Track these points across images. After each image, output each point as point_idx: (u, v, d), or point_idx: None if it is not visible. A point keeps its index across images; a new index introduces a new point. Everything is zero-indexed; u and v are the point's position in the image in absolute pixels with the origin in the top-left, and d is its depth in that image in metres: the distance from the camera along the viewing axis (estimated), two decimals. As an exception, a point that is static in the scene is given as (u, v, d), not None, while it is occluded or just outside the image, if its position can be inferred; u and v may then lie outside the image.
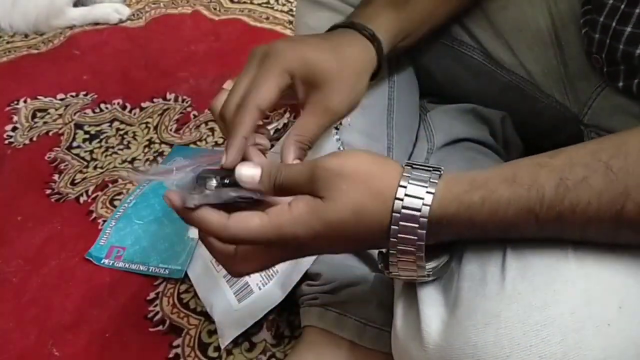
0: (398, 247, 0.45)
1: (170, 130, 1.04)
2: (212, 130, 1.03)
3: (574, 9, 0.63)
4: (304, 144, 0.56)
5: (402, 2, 0.63)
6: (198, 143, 1.01)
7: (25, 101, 1.11)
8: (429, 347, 0.45)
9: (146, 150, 1.00)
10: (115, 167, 0.97)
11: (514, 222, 0.44)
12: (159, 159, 0.98)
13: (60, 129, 1.05)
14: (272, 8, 1.33)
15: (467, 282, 0.45)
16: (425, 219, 0.44)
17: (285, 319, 0.75)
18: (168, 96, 1.11)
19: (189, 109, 1.08)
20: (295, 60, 0.55)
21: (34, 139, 1.03)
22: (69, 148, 1.01)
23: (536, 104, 0.71)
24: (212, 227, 0.47)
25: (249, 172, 0.49)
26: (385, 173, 0.46)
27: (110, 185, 0.94)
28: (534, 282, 0.43)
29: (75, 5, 1.32)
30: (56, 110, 1.09)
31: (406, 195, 0.44)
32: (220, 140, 1.01)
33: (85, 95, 1.12)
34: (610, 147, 0.43)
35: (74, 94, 1.12)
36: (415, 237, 0.44)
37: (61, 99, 1.11)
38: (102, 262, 0.81)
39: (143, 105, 1.09)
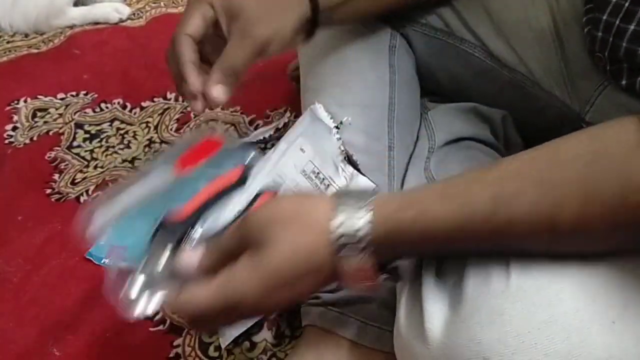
0: (349, 275, 0.46)
1: (171, 129, 1.04)
2: (212, 130, 1.03)
3: (576, 7, 0.63)
4: (228, 70, 0.60)
5: None
6: (198, 142, 1.00)
7: (25, 101, 1.11)
8: (433, 344, 0.45)
9: (147, 149, 1.00)
10: (115, 166, 0.97)
11: (448, 239, 0.44)
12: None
13: (60, 128, 1.05)
14: None
15: (472, 279, 0.45)
16: (363, 245, 0.45)
17: (285, 318, 0.74)
18: (168, 95, 1.10)
19: (189, 109, 1.07)
20: None
21: (34, 138, 1.03)
22: (69, 147, 1.01)
23: (537, 102, 0.71)
24: (166, 308, 0.49)
25: (189, 261, 0.51)
26: (316, 208, 0.47)
27: (111, 184, 0.93)
28: (538, 280, 0.43)
29: (76, 4, 1.32)
30: (56, 109, 1.09)
31: (340, 224, 0.45)
32: (221, 140, 1.00)
33: (86, 94, 1.12)
34: (543, 157, 0.43)
35: (74, 93, 1.12)
36: (360, 264, 0.45)
37: (61, 99, 1.11)
38: (102, 261, 0.81)
39: (143, 104, 1.09)
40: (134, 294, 0.52)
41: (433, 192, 0.45)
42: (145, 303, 0.52)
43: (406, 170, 0.71)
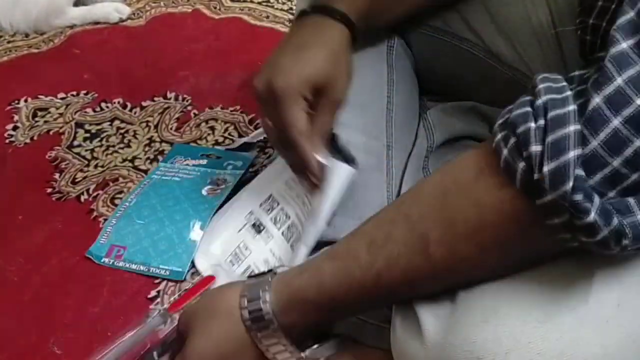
0: (268, 347, 0.51)
1: (171, 128, 1.04)
2: (212, 128, 1.03)
3: (572, 6, 0.64)
4: (325, 137, 0.65)
5: None
6: (198, 141, 1.01)
7: (25, 100, 1.11)
8: (428, 344, 0.45)
9: (147, 149, 1.00)
10: (116, 165, 0.97)
11: (342, 292, 0.47)
12: (160, 157, 0.98)
13: (61, 128, 1.05)
14: (273, 7, 1.32)
15: None
16: (270, 316, 0.50)
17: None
18: (168, 95, 1.11)
19: (189, 108, 1.08)
20: (303, 84, 0.61)
21: (35, 138, 1.03)
22: (70, 147, 1.01)
23: None
24: None
25: None
26: (228, 291, 0.54)
27: (111, 184, 0.94)
28: (533, 280, 0.43)
29: (76, 4, 1.32)
30: (57, 109, 1.09)
31: (248, 301, 0.51)
32: (221, 139, 1.01)
33: (86, 94, 1.12)
34: (409, 197, 0.47)
35: (74, 93, 1.12)
36: (274, 333, 0.50)
37: (62, 98, 1.11)
38: (102, 260, 0.82)
39: (143, 104, 1.09)
40: None
41: (323, 254, 0.51)
42: None
43: (405, 170, 0.71)
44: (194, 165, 0.94)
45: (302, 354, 0.51)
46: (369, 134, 0.71)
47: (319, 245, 0.68)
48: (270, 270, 0.53)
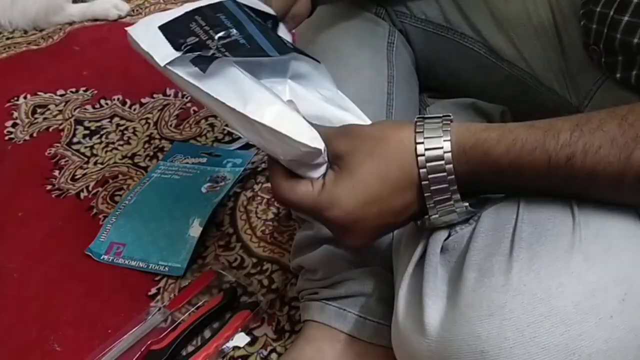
0: (434, 198, 0.48)
1: (170, 125, 1.04)
2: (211, 125, 1.03)
3: (574, 2, 0.63)
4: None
5: None
6: (198, 139, 1.01)
7: (25, 97, 1.11)
8: (431, 338, 0.45)
9: (146, 145, 1.00)
10: (115, 162, 0.97)
11: (528, 160, 0.46)
12: (159, 154, 0.98)
13: (60, 124, 1.05)
14: (272, 3, 1.32)
15: (473, 272, 0.45)
16: (451, 165, 0.47)
17: (285, 313, 0.75)
18: (168, 92, 1.11)
19: (188, 105, 1.08)
20: None
21: (34, 135, 1.03)
22: (69, 144, 1.01)
23: (537, 97, 0.71)
24: (272, 183, 0.51)
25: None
26: (401, 131, 0.49)
27: (111, 181, 0.94)
28: (540, 274, 0.43)
29: (75, 1, 1.32)
30: (56, 106, 1.09)
31: (425, 138, 0.48)
32: (220, 136, 1.01)
33: (85, 91, 1.12)
34: (624, 108, 0.45)
35: (73, 89, 1.12)
36: (447, 184, 0.47)
37: (61, 95, 1.11)
38: (101, 258, 0.82)
39: (143, 100, 1.09)
40: None
41: (515, 124, 0.48)
42: None
43: None
44: (193, 163, 0.94)
45: (465, 203, 0.49)
46: None
47: (320, 240, 0.68)
48: (443, 116, 0.50)
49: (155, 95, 1.10)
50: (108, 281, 0.79)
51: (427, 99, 0.78)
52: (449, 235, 0.50)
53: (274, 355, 0.71)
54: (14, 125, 1.05)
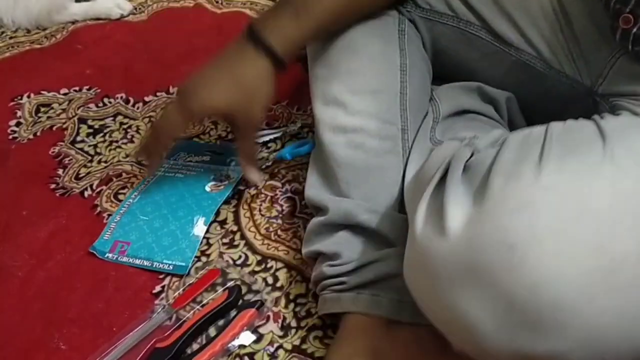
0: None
1: (174, 124, 1.04)
2: (214, 123, 1.03)
3: None
4: (253, 160, 0.82)
5: (303, 12, 0.71)
6: (201, 137, 1.00)
7: (28, 96, 1.11)
8: (453, 239, 0.43)
9: (150, 144, 1.00)
10: (119, 161, 0.97)
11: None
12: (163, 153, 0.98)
13: (63, 123, 1.05)
14: (275, 0, 1.32)
15: (501, 177, 0.44)
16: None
17: (291, 310, 0.74)
18: (171, 90, 1.10)
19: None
20: (205, 112, 0.77)
21: (38, 133, 1.03)
22: (73, 142, 1.01)
23: (545, 81, 0.71)
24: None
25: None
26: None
27: (115, 179, 0.93)
28: (571, 176, 0.42)
29: (78, 0, 1.32)
30: (60, 105, 1.09)
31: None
32: (224, 134, 1.00)
33: (89, 89, 1.12)
34: None
35: (77, 88, 1.12)
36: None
37: (64, 94, 1.11)
38: (105, 256, 0.81)
39: (146, 99, 1.09)
40: None
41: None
42: None
43: (413, 141, 0.71)
44: (197, 161, 0.94)
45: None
46: (383, 119, 0.71)
47: (336, 226, 0.69)
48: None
49: (158, 94, 1.10)
50: (112, 279, 0.79)
51: (433, 86, 0.79)
52: (472, 156, 0.49)
53: (280, 352, 0.70)
54: (18, 124, 1.05)
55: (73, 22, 1.30)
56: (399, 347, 0.63)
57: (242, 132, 0.78)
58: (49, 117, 1.06)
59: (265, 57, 0.71)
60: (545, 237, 0.40)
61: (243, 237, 0.84)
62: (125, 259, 0.81)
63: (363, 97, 0.71)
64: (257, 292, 0.76)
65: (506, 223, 0.41)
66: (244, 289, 0.76)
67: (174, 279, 0.79)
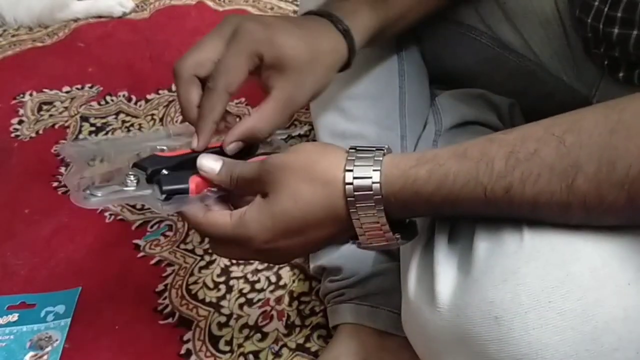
0: (364, 229, 0.47)
1: (176, 121, 1.03)
2: (218, 121, 1.02)
3: None
4: (259, 134, 0.55)
5: (381, 0, 0.63)
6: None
7: (31, 94, 1.10)
8: (443, 307, 0.43)
9: (152, 142, 1.00)
10: (121, 159, 0.97)
11: (462, 195, 0.43)
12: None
13: (66, 121, 1.05)
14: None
15: (483, 242, 0.44)
16: (377, 198, 0.45)
17: (295, 308, 0.74)
18: (173, 87, 1.10)
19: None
20: (266, 43, 0.54)
21: (40, 131, 1.03)
22: (75, 140, 1.01)
23: (545, 87, 0.71)
24: (190, 221, 0.51)
25: (209, 164, 0.51)
26: (328, 159, 0.47)
27: (117, 177, 0.93)
28: (553, 241, 0.42)
29: (80, -3, 1.32)
30: (62, 102, 1.09)
31: (354, 178, 0.45)
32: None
33: (91, 87, 1.12)
34: (564, 122, 0.42)
35: (79, 86, 1.12)
36: (374, 217, 0.46)
37: (67, 92, 1.11)
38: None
39: (148, 97, 1.09)
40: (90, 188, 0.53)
41: (449, 150, 0.45)
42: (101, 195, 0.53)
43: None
44: (1, 325, 0.72)
45: (397, 236, 0.47)
46: (382, 125, 0.70)
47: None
48: (376, 148, 0.48)
49: (160, 92, 1.10)
50: (115, 278, 0.79)
51: (436, 91, 0.78)
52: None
53: (285, 350, 0.70)
54: (20, 122, 1.05)
55: (75, 20, 1.30)
56: (390, 354, 0.64)
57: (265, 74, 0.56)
58: (51, 115, 1.06)
59: (344, 39, 0.59)
60: (529, 308, 0.40)
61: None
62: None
63: (362, 103, 0.70)
64: (260, 290, 0.76)
65: (491, 295, 0.41)
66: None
67: (177, 277, 0.79)
